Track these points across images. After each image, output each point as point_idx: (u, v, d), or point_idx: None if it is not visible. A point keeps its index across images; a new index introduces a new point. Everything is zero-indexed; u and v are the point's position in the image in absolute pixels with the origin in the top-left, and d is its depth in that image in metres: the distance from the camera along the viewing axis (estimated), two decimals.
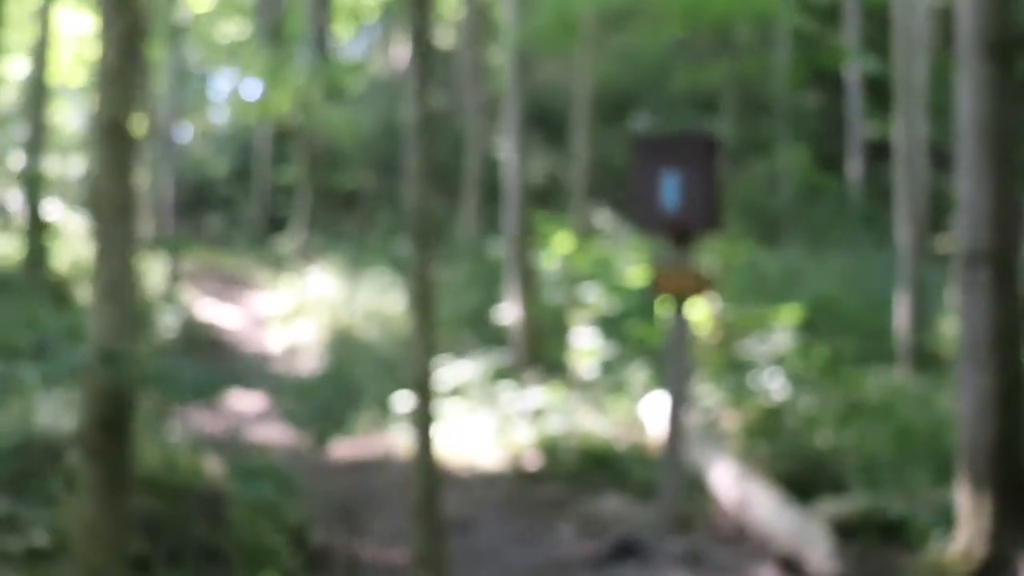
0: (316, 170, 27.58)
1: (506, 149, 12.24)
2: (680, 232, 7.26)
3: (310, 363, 15.92)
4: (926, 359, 12.68)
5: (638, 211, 7.35)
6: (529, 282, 11.91)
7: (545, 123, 28.66)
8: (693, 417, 9.35)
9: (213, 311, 19.60)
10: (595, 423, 10.00)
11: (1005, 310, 6.72)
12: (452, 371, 10.97)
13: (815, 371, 11.34)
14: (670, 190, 7.15)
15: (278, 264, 21.58)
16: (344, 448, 10.27)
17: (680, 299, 7.23)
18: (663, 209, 7.16)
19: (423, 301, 6.20)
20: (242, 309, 20.54)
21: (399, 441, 10.82)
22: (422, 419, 6.22)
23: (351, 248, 21.25)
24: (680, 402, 7.31)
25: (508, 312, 12.19)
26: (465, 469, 9.58)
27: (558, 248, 12.37)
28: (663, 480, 7.48)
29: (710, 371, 10.59)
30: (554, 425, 9.94)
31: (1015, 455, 6.76)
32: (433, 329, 6.35)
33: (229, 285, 22.90)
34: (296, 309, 18.89)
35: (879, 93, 26.77)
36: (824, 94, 28.40)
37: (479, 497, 8.79)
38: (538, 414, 10.38)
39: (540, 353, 12.00)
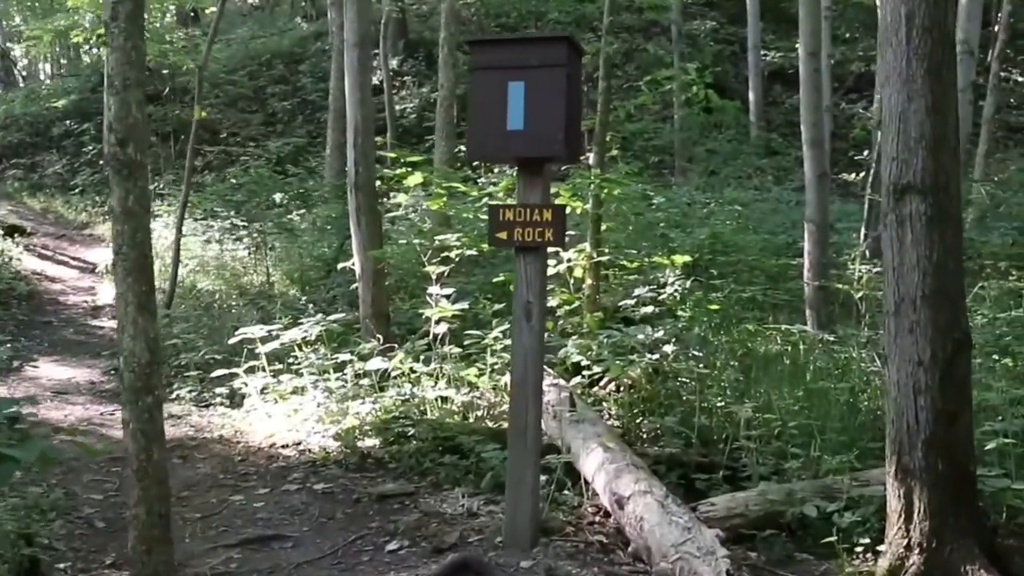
0: (166, 104, 25.44)
1: (345, 75, 10.33)
2: (525, 159, 5.54)
3: None
4: (838, 308, 11.21)
5: (476, 134, 5.59)
6: (373, 229, 10.07)
7: (423, 54, 26.89)
8: (556, 389, 7.70)
9: (41, 262, 17.66)
10: (450, 398, 8.31)
11: (945, 256, 5.16)
12: (283, 334, 9.16)
13: (710, 325, 9.78)
14: (515, 107, 5.42)
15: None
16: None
17: (526, 243, 5.52)
18: (506, 131, 5.43)
19: (132, 246, 4.51)
20: (78, 259, 18.55)
21: (212, 420, 9.03)
22: (142, 411, 4.58)
23: (199, 189, 19.17)
24: (529, 371, 5.62)
25: (356, 265, 10.35)
26: (282, 458, 7.81)
27: (414, 190, 10.55)
28: (510, 475, 5.79)
29: (584, 326, 8.90)
30: (397, 401, 8.22)
31: (958, 439, 5.23)
32: (148, 284, 4.68)
33: (68, 233, 20.83)
34: None
35: (780, 17, 25.44)
36: (722, 16, 26.91)
37: (294, 499, 7.02)
38: (380, 387, 8.67)
39: (387, 312, 10.23)
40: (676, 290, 10.10)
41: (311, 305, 11.90)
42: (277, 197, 18.03)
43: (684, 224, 14.30)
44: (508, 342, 8.73)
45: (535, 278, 5.57)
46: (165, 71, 25.17)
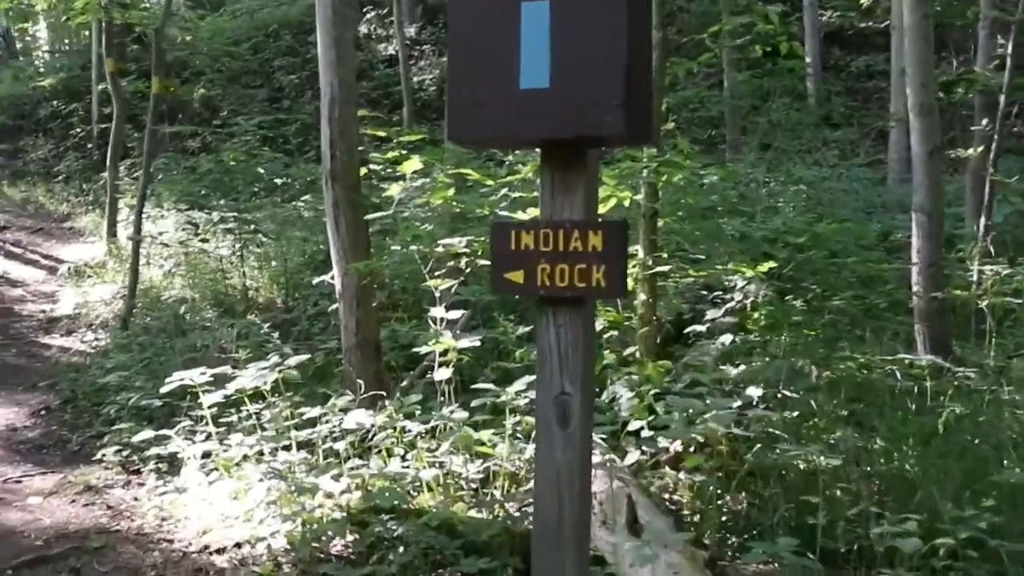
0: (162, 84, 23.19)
1: (317, 29, 7.89)
2: (554, 142, 3.14)
3: (91, 334, 11.81)
4: (955, 321, 8.79)
5: (460, 98, 3.18)
6: (356, 233, 7.66)
7: (443, 20, 24.49)
8: (607, 474, 5.30)
9: (6, 262, 15.58)
10: (455, 473, 5.95)
11: None
12: (237, 377, 6.82)
13: (797, 349, 7.38)
14: (534, 47, 3.05)
15: (114, 201, 16.95)
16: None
17: (558, 292, 3.14)
18: (516, 92, 3.05)
19: None
20: (50, 257, 16.43)
21: (138, 498, 6.75)
22: None
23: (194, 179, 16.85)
24: (566, 511, 3.23)
25: (335, 279, 7.94)
26: (213, 574, 5.46)
27: (411, 179, 8.12)
28: None
29: (640, 378, 6.43)
30: (382, 480, 5.87)
31: None
32: None
33: (45, 226, 18.74)
34: (103, 259, 14.76)
35: None
36: None
37: None
38: (362, 453, 6.35)
39: (377, 342, 7.83)
40: (750, 300, 7.73)
41: (293, 327, 9.55)
42: (277, 182, 15.77)
43: (742, 209, 11.80)
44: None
45: (576, 352, 3.19)
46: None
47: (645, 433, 5.65)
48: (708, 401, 5.47)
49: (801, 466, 5.58)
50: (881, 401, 6.95)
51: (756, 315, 7.65)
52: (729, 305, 7.79)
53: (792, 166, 15.31)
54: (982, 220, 9.42)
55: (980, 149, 9.74)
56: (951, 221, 11.41)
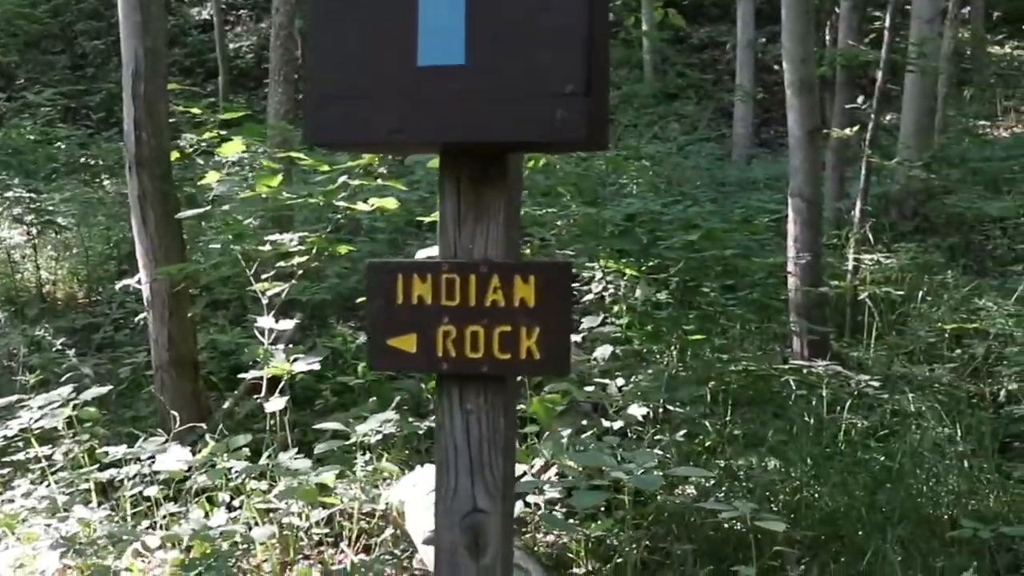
0: None
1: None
2: (468, 146, 2.13)
3: None
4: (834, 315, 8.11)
5: (328, 84, 2.14)
6: (167, 230, 6.45)
7: None
8: None
9: None
10: (294, 526, 4.88)
11: None
12: (25, 407, 5.57)
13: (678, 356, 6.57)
14: (442, 6, 2.03)
15: None
16: None
17: (467, 367, 2.15)
18: (412, 72, 2.03)
19: None
20: None
21: None
22: None
23: None
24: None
25: (143, 284, 6.69)
26: None
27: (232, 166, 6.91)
28: None
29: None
30: (205, 540, 4.76)
31: None
32: None
33: None
34: None
35: None
36: None
37: None
38: (176, 496, 5.23)
39: (194, 359, 6.64)
40: (614, 290, 6.88)
41: (95, 334, 8.24)
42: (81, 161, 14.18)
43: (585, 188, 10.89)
44: (391, 430, 5.35)
45: (494, 450, 2.19)
46: None
47: (527, 479, 4.68)
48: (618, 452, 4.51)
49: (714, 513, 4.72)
50: (774, 410, 6.25)
51: (626, 319, 6.81)
52: (591, 297, 6.98)
53: (638, 142, 14.55)
54: (858, 204, 8.76)
55: (856, 128, 9.08)
56: None
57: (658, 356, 6.82)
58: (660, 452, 5.28)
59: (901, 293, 8.59)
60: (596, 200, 10.28)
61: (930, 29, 11.61)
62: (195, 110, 7.09)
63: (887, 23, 9.16)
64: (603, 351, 5.99)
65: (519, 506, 4.63)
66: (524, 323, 2.09)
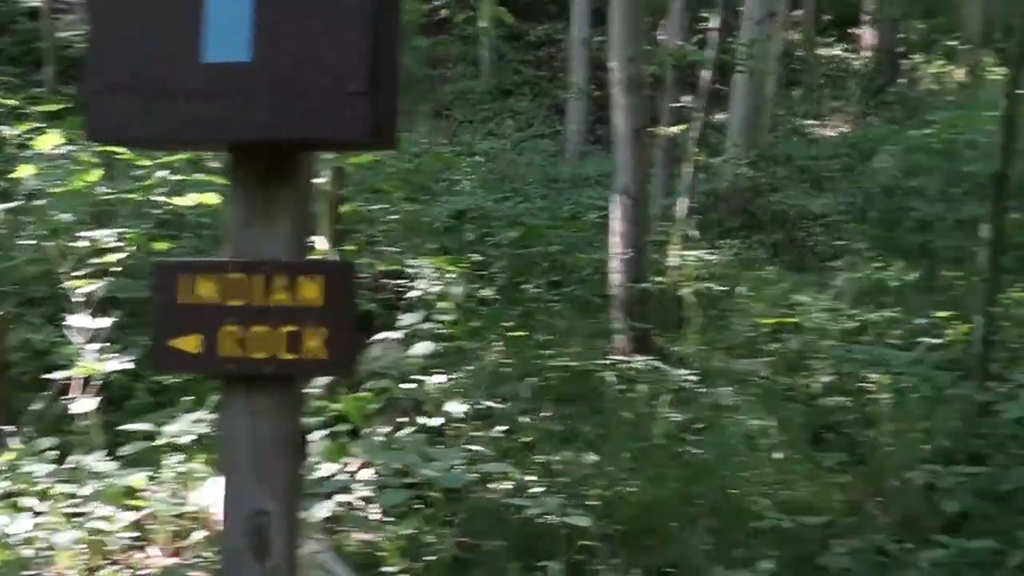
0: None
1: None
2: (254, 144, 2.10)
3: None
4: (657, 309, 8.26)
5: (108, 77, 2.09)
6: None
7: None
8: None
9: None
10: (103, 532, 4.75)
11: None
12: None
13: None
14: (222, 9, 2.00)
15: None
16: None
17: (252, 368, 2.13)
18: (195, 68, 2.00)
19: None
20: None
21: None
22: None
23: None
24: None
25: None
26: None
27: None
28: None
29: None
30: (5, 548, 4.58)
31: None
32: None
33: None
34: None
35: None
36: None
37: None
38: None
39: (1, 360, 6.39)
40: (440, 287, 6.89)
41: None
42: None
43: (424, 186, 10.90)
44: (206, 430, 5.25)
45: (280, 452, 2.17)
46: None
47: (338, 479, 4.65)
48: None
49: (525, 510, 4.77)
50: (594, 408, 6.34)
51: (451, 316, 6.83)
52: (416, 294, 6.98)
53: (473, 139, 14.61)
54: (685, 202, 8.95)
55: (685, 127, 9.30)
56: None
57: (481, 353, 6.86)
58: (480, 448, 5.34)
59: (724, 289, 8.82)
60: (424, 197, 10.31)
61: (760, 30, 11.95)
62: (11, 101, 6.82)
63: (717, 23, 9.40)
64: (422, 348, 6.00)
65: (330, 506, 4.60)
66: (310, 323, 2.08)
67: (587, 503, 5.03)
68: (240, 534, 2.16)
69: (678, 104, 10.00)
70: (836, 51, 21.38)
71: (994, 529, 4.66)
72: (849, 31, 21.28)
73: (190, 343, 2.12)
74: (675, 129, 9.47)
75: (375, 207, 8.40)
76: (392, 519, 4.72)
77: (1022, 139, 6.83)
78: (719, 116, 14.24)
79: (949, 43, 19.96)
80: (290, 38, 1.95)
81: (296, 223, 2.15)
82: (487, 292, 7.54)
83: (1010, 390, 6.33)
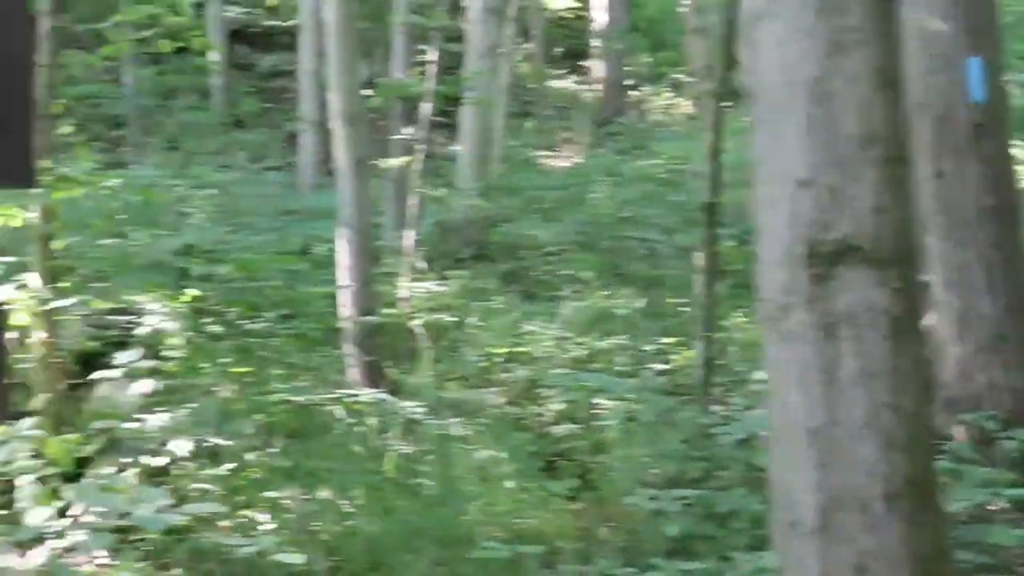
0: None
1: None
2: None
3: None
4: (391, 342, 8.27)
5: None
6: None
7: None
8: None
9: None
10: None
11: None
12: None
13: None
14: None
15: None
16: None
17: None
18: None
19: None
20: None
21: None
22: None
23: None
24: None
25: None
26: None
27: None
28: None
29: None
30: None
31: None
32: None
33: None
34: None
35: None
36: None
37: None
38: None
39: None
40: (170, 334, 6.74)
41: None
42: None
43: (153, 221, 10.61)
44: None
45: None
46: None
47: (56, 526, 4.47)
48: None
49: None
50: (325, 444, 6.30)
51: (174, 352, 6.68)
52: (139, 334, 6.78)
53: (204, 169, 14.30)
54: (412, 234, 9.03)
55: (409, 159, 9.39)
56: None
57: (209, 389, 6.73)
58: (208, 487, 5.24)
59: (455, 319, 8.93)
60: (154, 232, 10.03)
61: (485, 63, 12.19)
62: None
63: (435, 56, 9.55)
64: (143, 386, 5.84)
65: (43, 553, 4.41)
66: None
67: (317, 539, 5.00)
68: None
69: (402, 136, 10.09)
70: (567, 83, 21.99)
71: (714, 550, 4.86)
72: (580, 64, 21.98)
73: None
74: (397, 161, 9.56)
75: (101, 242, 8.14)
76: (109, 564, 4.57)
77: (728, 169, 7.17)
78: (452, 148, 14.43)
79: (675, 76, 20.82)
80: None
81: None
82: (215, 327, 7.41)
83: (731, 413, 6.61)
